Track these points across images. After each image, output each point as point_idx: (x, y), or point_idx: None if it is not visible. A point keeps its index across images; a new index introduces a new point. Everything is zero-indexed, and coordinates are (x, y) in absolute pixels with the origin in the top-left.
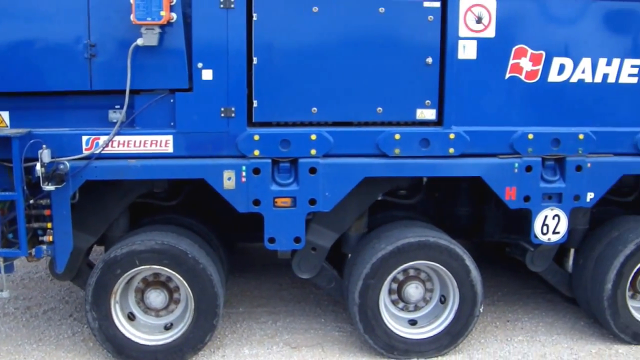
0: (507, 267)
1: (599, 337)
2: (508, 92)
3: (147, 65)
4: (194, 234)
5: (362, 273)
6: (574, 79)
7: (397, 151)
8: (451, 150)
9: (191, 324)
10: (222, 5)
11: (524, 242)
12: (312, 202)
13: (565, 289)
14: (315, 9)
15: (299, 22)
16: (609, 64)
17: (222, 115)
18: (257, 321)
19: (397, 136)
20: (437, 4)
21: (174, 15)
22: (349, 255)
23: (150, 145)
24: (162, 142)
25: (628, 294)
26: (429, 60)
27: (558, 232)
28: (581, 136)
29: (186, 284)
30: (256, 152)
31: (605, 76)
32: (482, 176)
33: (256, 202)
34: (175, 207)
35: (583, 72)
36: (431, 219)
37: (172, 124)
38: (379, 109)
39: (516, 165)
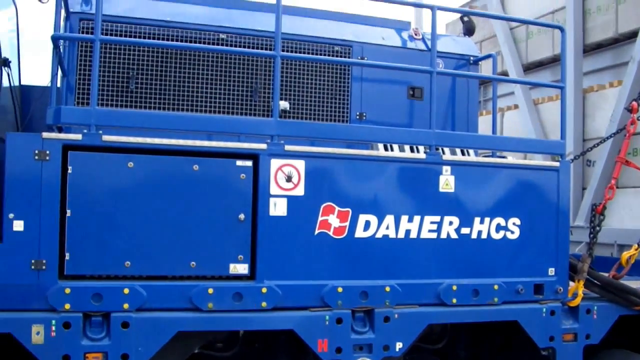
0: None
1: None
2: (318, 247)
3: None
4: None
5: None
6: (379, 235)
7: (210, 305)
8: (264, 304)
9: None
10: (36, 157)
11: None
12: (125, 357)
13: None
14: (130, 164)
15: (113, 176)
16: (410, 220)
17: (33, 267)
18: None
19: (211, 290)
20: (249, 163)
21: None
22: None
23: None
24: None
25: None
26: (242, 216)
27: None
28: (387, 289)
29: None
30: (67, 306)
31: (408, 232)
32: (295, 329)
33: (66, 358)
34: None
35: (387, 228)
36: None
37: None
38: (193, 264)
39: (327, 317)
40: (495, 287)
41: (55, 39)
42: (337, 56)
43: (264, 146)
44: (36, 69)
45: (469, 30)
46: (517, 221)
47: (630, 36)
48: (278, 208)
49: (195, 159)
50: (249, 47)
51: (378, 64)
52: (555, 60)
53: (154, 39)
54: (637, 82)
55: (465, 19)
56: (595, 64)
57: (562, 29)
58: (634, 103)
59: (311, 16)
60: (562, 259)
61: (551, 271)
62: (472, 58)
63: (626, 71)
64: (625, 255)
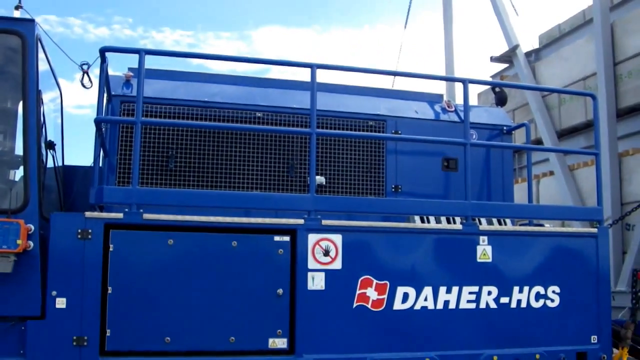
0: None
1: None
2: (356, 320)
3: None
4: None
5: None
6: (417, 307)
7: None
8: None
9: None
10: (79, 236)
11: None
12: None
13: None
14: (170, 242)
15: (154, 253)
16: (449, 291)
17: (75, 344)
18: None
19: None
20: (287, 239)
21: (30, 244)
22: None
23: None
24: None
25: None
26: (280, 291)
27: None
28: None
29: None
30: None
31: (447, 303)
32: None
33: None
34: None
35: (425, 299)
36: None
37: (21, 352)
38: (232, 339)
39: None
40: (537, 356)
41: (97, 122)
42: (371, 131)
43: (301, 221)
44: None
45: (501, 101)
46: (557, 289)
47: None
48: (316, 282)
49: (234, 235)
50: (285, 125)
51: (411, 137)
52: (589, 126)
53: (192, 118)
54: None
55: (497, 89)
56: (629, 128)
57: (594, 97)
58: None
59: (345, 92)
60: (604, 325)
61: (594, 339)
62: (505, 128)
63: None
64: None
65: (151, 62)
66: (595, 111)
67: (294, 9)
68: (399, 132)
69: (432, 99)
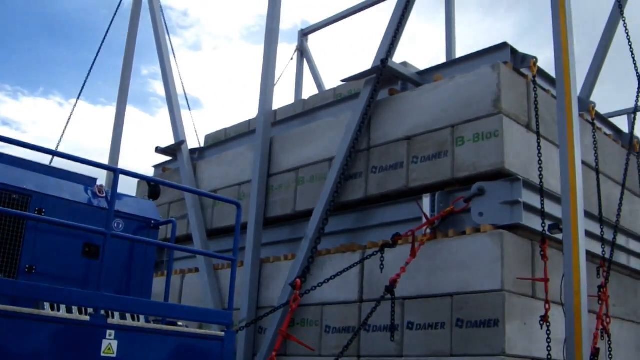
0: None
1: None
2: None
3: None
4: None
5: None
6: None
7: None
8: None
9: None
10: None
11: None
12: None
13: None
14: None
15: None
16: None
17: None
18: None
19: None
20: None
21: None
22: None
23: None
24: None
25: None
26: None
27: None
28: None
29: None
30: None
31: None
32: None
33: None
34: None
35: None
36: None
37: None
38: None
39: None
40: None
41: None
42: (14, 204)
43: None
44: None
45: (153, 194)
46: None
47: (306, 214)
48: None
49: None
50: None
51: (50, 219)
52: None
53: None
54: (308, 258)
55: (152, 183)
56: (273, 237)
57: (238, 205)
58: (298, 280)
59: None
60: None
61: None
62: (152, 221)
63: (300, 246)
64: None
65: None
66: (237, 219)
67: None
68: (44, 210)
69: (86, 182)
